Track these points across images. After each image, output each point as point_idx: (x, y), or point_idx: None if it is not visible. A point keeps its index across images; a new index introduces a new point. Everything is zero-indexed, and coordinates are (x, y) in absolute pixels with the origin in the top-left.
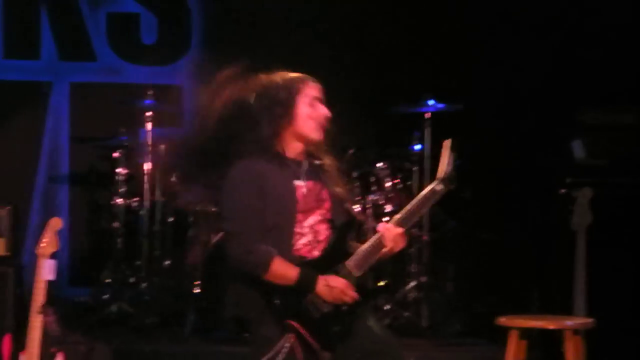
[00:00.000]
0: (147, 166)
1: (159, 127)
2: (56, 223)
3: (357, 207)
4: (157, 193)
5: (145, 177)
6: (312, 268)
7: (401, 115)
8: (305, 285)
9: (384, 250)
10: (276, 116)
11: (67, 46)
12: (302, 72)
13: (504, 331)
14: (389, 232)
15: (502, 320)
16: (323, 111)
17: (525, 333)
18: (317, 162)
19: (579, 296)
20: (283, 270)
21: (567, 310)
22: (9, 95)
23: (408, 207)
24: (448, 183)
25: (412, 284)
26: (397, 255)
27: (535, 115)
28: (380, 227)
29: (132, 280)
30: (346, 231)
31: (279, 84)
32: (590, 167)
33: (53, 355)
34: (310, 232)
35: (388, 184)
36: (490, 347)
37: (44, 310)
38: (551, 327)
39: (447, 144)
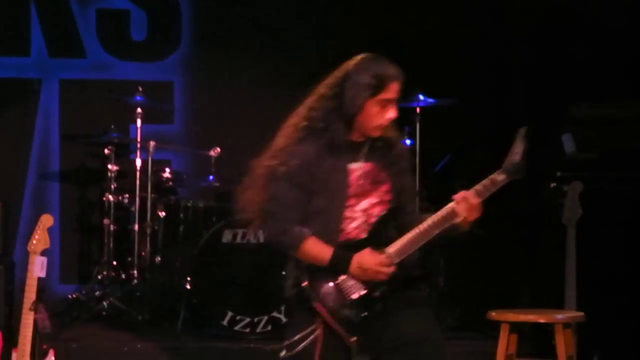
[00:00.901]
0: (137, 162)
1: (149, 123)
2: (47, 220)
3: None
4: (148, 189)
5: (136, 174)
6: (354, 248)
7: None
8: (337, 265)
9: (456, 220)
10: (347, 105)
11: (56, 43)
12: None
13: (495, 325)
14: (466, 200)
15: (493, 315)
16: (390, 115)
17: (516, 327)
18: (380, 142)
19: (569, 290)
20: (316, 251)
21: (557, 304)
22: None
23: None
24: (512, 173)
25: None
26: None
27: (526, 110)
28: (457, 195)
29: (123, 277)
30: (399, 212)
31: (366, 73)
32: (580, 161)
33: (45, 352)
34: (363, 215)
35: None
36: (482, 341)
37: (35, 307)
38: (542, 320)
39: (521, 132)
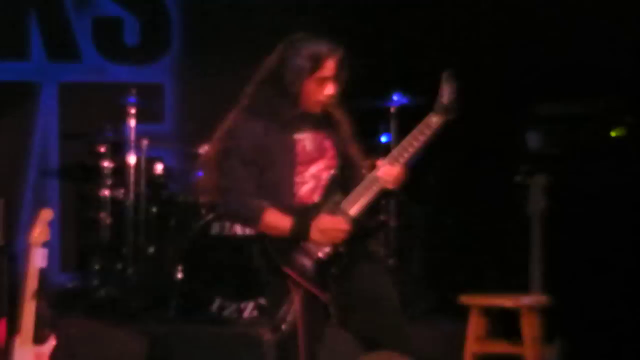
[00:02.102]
0: (131, 159)
1: (142, 123)
2: (47, 214)
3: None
4: (142, 185)
5: (130, 170)
6: (309, 212)
7: (367, 109)
8: (298, 234)
9: (385, 187)
10: (287, 86)
11: (55, 48)
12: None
13: (467, 309)
14: (386, 174)
15: (464, 299)
16: (328, 91)
17: (486, 311)
18: (322, 114)
19: (535, 276)
20: (275, 222)
21: (525, 289)
22: (1, 95)
23: (401, 142)
24: (445, 113)
25: None
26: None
27: (493, 108)
28: (379, 172)
29: (119, 267)
30: (345, 174)
31: (301, 54)
32: (545, 156)
33: (45, 337)
34: (313, 179)
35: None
36: (454, 325)
37: (36, 295)
38: (509, 305)
39: (445, 75)
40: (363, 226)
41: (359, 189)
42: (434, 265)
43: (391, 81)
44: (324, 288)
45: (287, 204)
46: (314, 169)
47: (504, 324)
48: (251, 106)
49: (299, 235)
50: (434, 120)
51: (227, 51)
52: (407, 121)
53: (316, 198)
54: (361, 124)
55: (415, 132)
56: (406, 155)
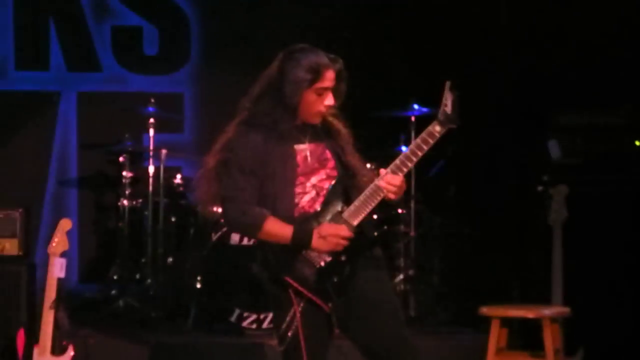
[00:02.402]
0: (150, 169)
1: (161, 132)
2: (66, 224)
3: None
4: (160, 194)
5: (149, 180)
6: (310, 221)
7: (388, 119)
8: (300, 241)
9: (385, 197)
10: (287, 98)
11: (74, 58)
12: (327, 54)
13: (487, 320)
14: (389, 184)
15: (484, 310)
16: (328, 102)
17: (506, 322)
18: (322, 125)
19: (556, 287)
20: (277, 230)
21: (545, 300)
22: (21, 104)
23: (404, 152)
24: (447, 123)
25: (400, 277)
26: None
27: (514, 117)
28: (380, 182)
29: (137, 276)
30: (346, 183)
31: (300, 65)
32: (566, 166)
33: (64, 348)
34: (314, 189)
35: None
36: (474, 336)
37: (55, 305)
38: (530, 316)
39: (447, 85)
40: (365, 235)
41: (361, 198)
42: (454, 276)
43: (411, 91)
44: (325, 297)
45: (288, 214)
46: (314, 179)
47: (525, 335)
48: (251, 117)
49: (301, 243)
50: (437, 129)
51: (246, 61)
52: None
53: (317, 207)
54: (382, 134)
55: (418, 141)
56: (409, 164)
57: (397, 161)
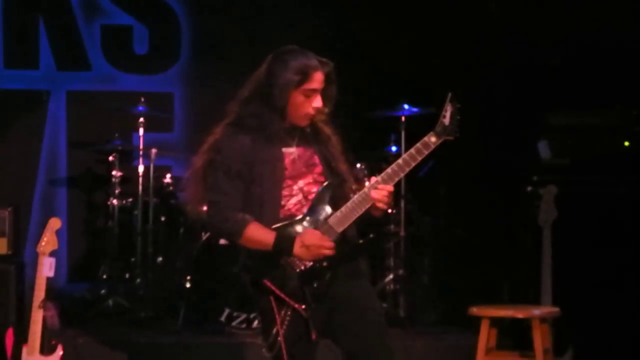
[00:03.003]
0: (140, 169)
1: (151, 132)
2: (55, 223)
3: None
4: (150, 194)
5: (139, 179)
6: (295, 225)
7: (378, 119)
8: (281, 248)
9: (373, 206)
10: (275, 99)
11: (64, 57)
12: (316, 56)
13: (477, 320)
14: (379, 195)
15: (474, 310)
16: (315, 104)
17: (496, 322)
18: (310, 129)
19: (545, 287)
20: (259, 236)
21: (535, 300)
22: (10, 103)
23: (397, 161)
24: (443, 134)
25: (390, 276)
26: (376, 251)
27: (504, 118)
28: (370, 192)
29: (127, 276)
30: (334, 189)
31: (289, 67)
32: (555, 166)
33: (53, 347)
34: (300, 193)
35: (367, 184)
36: (464, 335)
37: (44, 305)
38: (520, 316)
39: (448, 96)
40: (349, 242)
41: (348, 205)
42: (444, 276)
43: (401, 91)
44: (302, 301)
45: (274, 216)
46: (301, 182)
47: (515, 336)
48: (239, 119)
49: (282, 250)
50: (433, 140)
51: (236, 60)
52: (418, 131)
53: (304, 211)
54: (372, 134)
55: (412, 151)
56: (401, 174)
57: (389, 170)
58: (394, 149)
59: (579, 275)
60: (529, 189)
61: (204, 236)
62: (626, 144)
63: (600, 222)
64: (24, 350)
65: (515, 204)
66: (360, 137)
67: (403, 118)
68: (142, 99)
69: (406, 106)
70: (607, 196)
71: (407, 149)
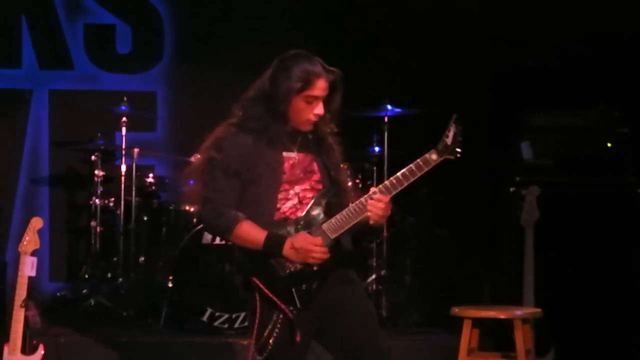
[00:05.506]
0: (122, 168)
1: (134, 131)
2: (37, 222)
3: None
4: (133, 193)
5: (121, 179)
6: (287, 226)
7: (361, 119)
8: (272, 247)
9: (368, 216)
10: (277, 103)
11: (46, 56)
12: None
13: (459, 321)
14: (375, 207)
15: (456, 311)
16: (317, 111)
17: (478, 322)
18: (312, 135)
19: (528, 287)
20: (250, 234)
21: (517, 301)
22: None
23: (397, 174)
24: (444, 153)
25: (372, 277)
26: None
27: (487, 119)
28: (368, 204)
29: (109, 275)
30: (331, 196)
31: (291, 73)
32: (538, 167)
33: (35, 347)
34: (297, 197)
35: (349, 184)
36: (446, 336)
37: (25, 304)
38: (502, 316)
39: (453, 117)
40: (342, 248)
41: (344, 213)
42: (426, 276)
43: (384, 91)
44: (289, 302)
45: (269, 218)
46: (298, 188)
47: (497, 336)
48: (241, 120)
49: (272, 250)
50: (434, 158)
51: (219, 60)
52: (400, 131)
53: (298, 215)
54: (355, 134)
55: (412, 166)
56: (399, 187)
57: (388, 182)
58: (376, 149)
59: (561, 276)
60: (512, 189)
61: (187, 236)
62: (608, 144)
63: (583, 223)
64: (6, 349)
65: (498, 205)
66: (343, 137)
67: (386, 118)
68: (125, 99)
69: (389, 107)
70: (590, 197)
71: (389, 149)
